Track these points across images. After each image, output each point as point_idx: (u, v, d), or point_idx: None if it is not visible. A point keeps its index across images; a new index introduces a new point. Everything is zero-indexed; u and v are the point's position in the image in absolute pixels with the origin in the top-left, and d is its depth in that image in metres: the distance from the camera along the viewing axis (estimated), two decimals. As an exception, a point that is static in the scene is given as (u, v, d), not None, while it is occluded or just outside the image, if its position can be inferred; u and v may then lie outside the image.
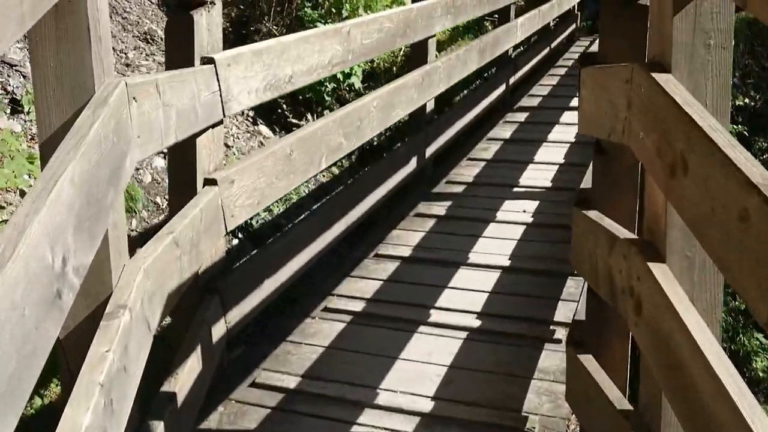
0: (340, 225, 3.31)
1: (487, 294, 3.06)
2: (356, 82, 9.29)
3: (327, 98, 9.92)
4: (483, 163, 4.92)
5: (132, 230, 4.00)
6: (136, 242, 3.96)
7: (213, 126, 2.29)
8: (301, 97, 9.46)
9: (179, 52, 2.22)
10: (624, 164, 1.81)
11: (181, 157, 2.22)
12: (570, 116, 6.15)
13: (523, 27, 6.76)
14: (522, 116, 6.21)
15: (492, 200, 4.19)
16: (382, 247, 3.57)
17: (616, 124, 1.58)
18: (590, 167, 2.17)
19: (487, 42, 5.49)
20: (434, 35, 4.37)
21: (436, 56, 4.57)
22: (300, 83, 2.81)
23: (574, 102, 6.75)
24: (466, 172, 4.75)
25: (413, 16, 3.95)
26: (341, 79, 9.53)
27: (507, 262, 3.32)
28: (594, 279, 1.78)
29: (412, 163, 4.20)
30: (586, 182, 2.07)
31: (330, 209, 3.23)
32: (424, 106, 4.29)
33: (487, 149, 5.26)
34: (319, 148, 2.95)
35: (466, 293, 3.08)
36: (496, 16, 8.81)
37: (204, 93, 2.12)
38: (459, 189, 4.43)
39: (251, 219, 3.85)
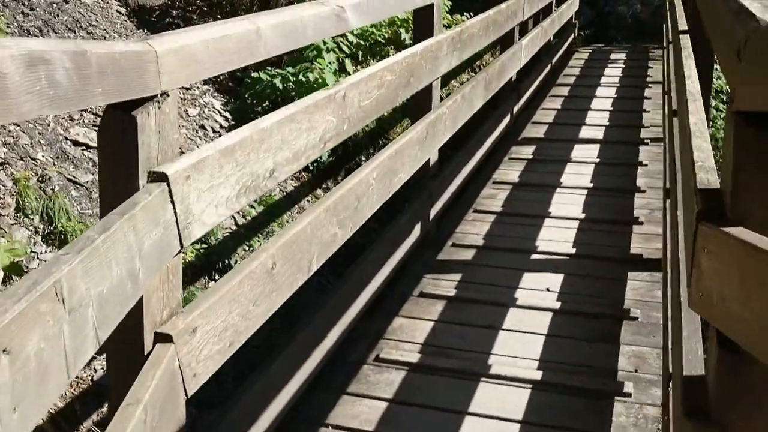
0: (335, 331, 2.70)
1: (518, 425, 2.47)
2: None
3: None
4: (492, 217, 4.32)
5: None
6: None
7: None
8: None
9: (117, 168, 1.60)
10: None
11: (122, 311, 1.59)
12: (581, 151, 5.57)
13: (527, 49, 6.17)
14: (528, 150, 5.63)
15: (508, 273, 3.60)
16: (384, 347, 2.97)
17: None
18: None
19: (492, 73, 4.90)
20: (439, 77, 3.77)
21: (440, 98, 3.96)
22: (284, 175, 2.19)
23: (583, 132, 6.20)
24: (474, 230, 4.15)
25: (417, 61, 3.34)
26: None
27: (537, 374, 2.73)
28: None
29: (416, 232, 3.60)
30: (690, 364, 1.50)
31: (323, 318, 2.62)
32: (428, 160, 3.70)
33: (494, 197, 4.67)
34: (308, 250, 2.35)
35: (491, 424, 2.49)
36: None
37: (150, 234, 1.50)
38: (468, 255, 3.83)
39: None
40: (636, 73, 8.48)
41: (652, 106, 6.89)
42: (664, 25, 9.74)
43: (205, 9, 9.46)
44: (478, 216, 4.35)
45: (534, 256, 3.79)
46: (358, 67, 8.95)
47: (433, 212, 3.84)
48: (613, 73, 8.58)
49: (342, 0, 2.66)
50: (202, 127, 6.75)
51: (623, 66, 9.02)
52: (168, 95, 1.68)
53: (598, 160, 5.31)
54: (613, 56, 9.75)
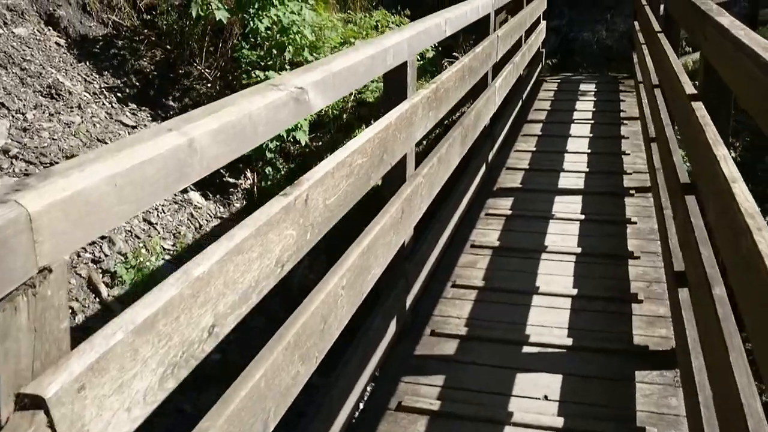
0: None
1: None
2: (302, 137, 8.12)
3: (269, 155, 8.68)
4: (473, 294, 3.83)
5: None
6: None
7: None
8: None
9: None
10: None
11: None
12: (562, 204, 5.14)
13: (500, 90, 5.75)
14: (506, 204, 5.17)
15: (497, 373, 3.11)
16: (357, 490, 2.44)
17: None
18: None
19: (468, 125, 4.43)
20: (414, 144, 3.28)
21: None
22: (229, 326, 1.66)
23: (563, 181, 5.76)
24: (455, 311, 3.66)
25: (391, 133, 2.85)
26: (284, 135, 8.34)
27: None
28: None
29: (392, 329, 3.09)
30: None
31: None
32: (403, 241, 3.20)
33: (474, 265, 4.19)
34: (263, 408, 1.82)
35: None
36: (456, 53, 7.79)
37: None
38: (450, 348, 3.33)
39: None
40: (609, 108, 8.14)
41: (631, 147, 6.52)
42: (634, 55, 9.45)
43: (153, 39, 8.86)
44: (457, 292, 3.86)
45: (525, 349, 3.31)
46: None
47: (409, 299, 3.35)
48: (585, 107, 8.22)
49: (301, 79, 2.15)
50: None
51: (594, 99, 8.68)
52: (51, 270, 1.15)
53: (582, 216, 4.87)
54: (582, 87, 9.42)
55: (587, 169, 5.90)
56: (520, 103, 7.56)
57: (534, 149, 6.54)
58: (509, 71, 6.20)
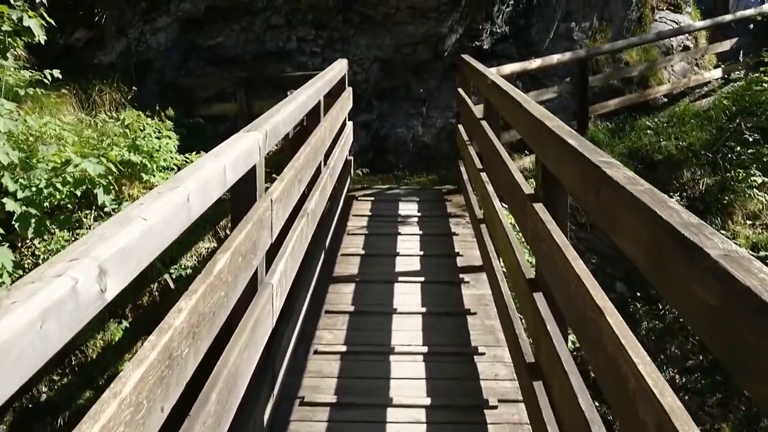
0: None
1: None
2: None
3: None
4: None
5: None
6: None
7: None
8: None
9: None
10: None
11: None
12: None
13: (284, 279, 3.45)
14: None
15: None
16: None
17: None
18: None
19: (227, 387, 2.02)
20: None
21: None
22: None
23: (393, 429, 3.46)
24: None
25: None
26: None
27: None
28: None
29: None
30: None
31: None
32: None
33: None
34: None
35: None
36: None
37: None
38: None
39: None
40: (440, 248, 6.13)
41: (483, 333, 4.44)
42: (461, 164, 7.69)
43: None
44: None
45: None
46: (37, 246, 5.69)
47: None
48: (408, 248, 6.14)
49: None
50: None
51: (419, 232, 6.65)
52: None
53: None
54: (402, 209, 7.41)
55: (428, 401, 3.68)
56: (323, 254, 5.33)
57: (344, 348, 4.26)
58: (297, 236, 3.92)
